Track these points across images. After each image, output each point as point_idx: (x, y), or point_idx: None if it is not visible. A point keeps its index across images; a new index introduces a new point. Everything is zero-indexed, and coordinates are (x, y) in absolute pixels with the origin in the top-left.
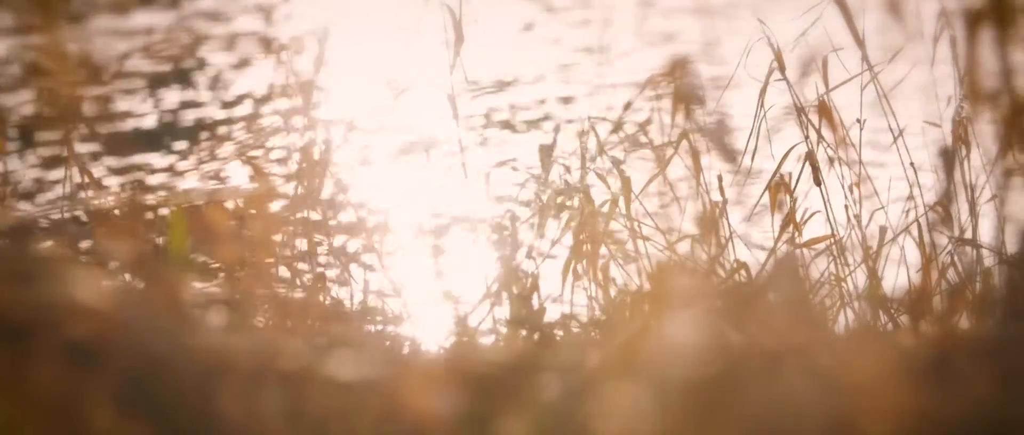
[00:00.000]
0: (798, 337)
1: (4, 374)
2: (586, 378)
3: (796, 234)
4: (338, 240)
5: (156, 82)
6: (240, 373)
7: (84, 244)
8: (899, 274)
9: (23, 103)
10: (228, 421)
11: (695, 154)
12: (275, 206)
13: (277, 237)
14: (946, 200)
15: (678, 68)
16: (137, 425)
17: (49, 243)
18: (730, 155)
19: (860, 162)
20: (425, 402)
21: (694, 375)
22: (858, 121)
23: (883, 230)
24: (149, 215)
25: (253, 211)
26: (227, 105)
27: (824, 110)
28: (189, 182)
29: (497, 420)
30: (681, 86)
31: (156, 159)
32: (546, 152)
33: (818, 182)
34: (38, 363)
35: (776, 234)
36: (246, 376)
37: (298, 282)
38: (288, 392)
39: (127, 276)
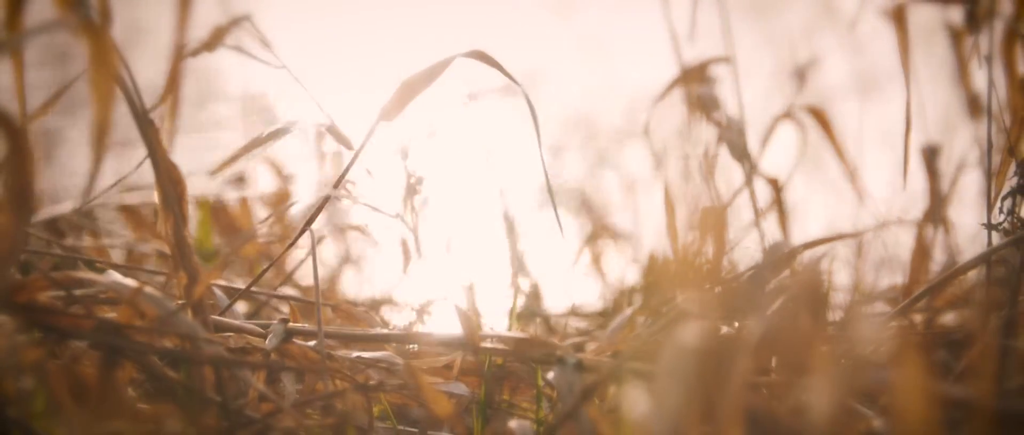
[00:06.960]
0: (796, 326)
1: (41, 359)
2: (591, 366)
3: (785, 226)
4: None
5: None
6: (262, 359)
7: (117, 237)
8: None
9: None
10: (249, 405)
11: (707, 158)
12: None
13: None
14: (934, 196)
15: (696, 72)
16: (165, 408)
17: (85, 236)
18: (742, 154)
19: (852, 161)
20: (439, 388)
21: (694, 361)
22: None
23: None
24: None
25: (275, 208)
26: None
27: (818, 112)
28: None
29: (506, 405)
30: (698, 91)
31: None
32: (554, 153)
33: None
34: (73, 349)
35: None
36: (268, 362)
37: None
38: (306, 377)
39: (157, 268)
